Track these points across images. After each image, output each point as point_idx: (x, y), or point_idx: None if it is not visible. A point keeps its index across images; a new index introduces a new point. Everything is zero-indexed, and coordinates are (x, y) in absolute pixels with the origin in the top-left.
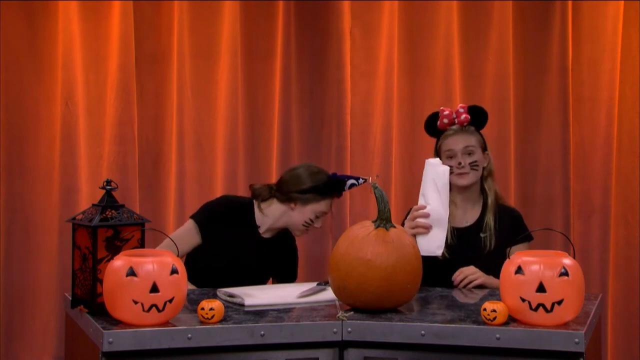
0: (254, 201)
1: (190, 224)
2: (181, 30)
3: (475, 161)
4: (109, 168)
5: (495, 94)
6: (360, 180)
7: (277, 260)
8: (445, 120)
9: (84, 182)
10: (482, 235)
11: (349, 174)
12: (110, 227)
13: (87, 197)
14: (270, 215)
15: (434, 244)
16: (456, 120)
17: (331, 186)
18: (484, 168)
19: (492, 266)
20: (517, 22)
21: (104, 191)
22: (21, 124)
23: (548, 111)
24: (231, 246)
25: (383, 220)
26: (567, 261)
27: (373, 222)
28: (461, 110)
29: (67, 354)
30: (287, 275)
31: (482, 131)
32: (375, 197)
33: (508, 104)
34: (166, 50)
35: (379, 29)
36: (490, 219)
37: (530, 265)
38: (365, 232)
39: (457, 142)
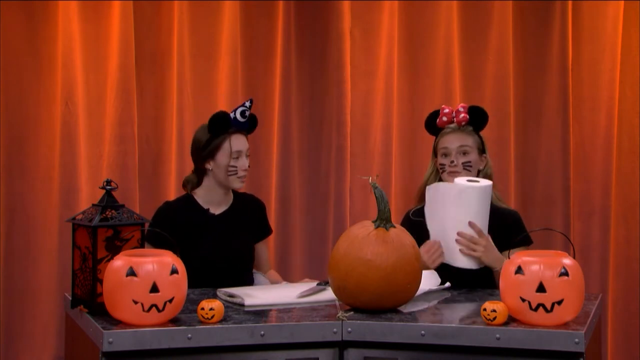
0: (191, 193)
1: (147, 245)
2: (181, 30)
3: (469, 161)
4: (109, 168)
5: (495, 94)
6: (247, 103)
7: (245, 223)
8: (445, 119)
9: (84, 182)
10: None
11: (349, 174)
12: (110, 227)
13: (87, 197)
14: (210, 190)
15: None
16: (455, 119)
17: (219, 123)
18: (480, 170)
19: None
20: (517, 22)
21: (104, 191)
22: (21, 124)
23: (548, 111)
24: (194, 240)
25: (383, 220)
26: (567, 261)
27: (373, 222)
28: (461, 109)
29: (67, 354)
30: (263, 232)
31: (482, 132)
32: (375, 197)
33: (508, 104)
34: (166, 50)
35: (379, 29)
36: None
37: (530, 265)
38: (365, 232)
39: (452, 141)
